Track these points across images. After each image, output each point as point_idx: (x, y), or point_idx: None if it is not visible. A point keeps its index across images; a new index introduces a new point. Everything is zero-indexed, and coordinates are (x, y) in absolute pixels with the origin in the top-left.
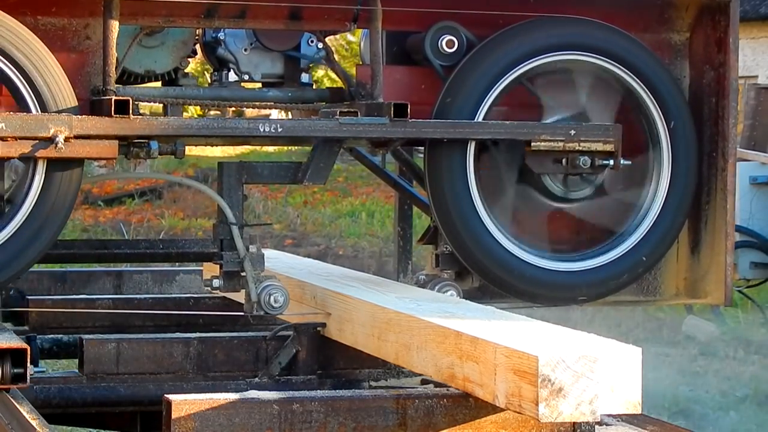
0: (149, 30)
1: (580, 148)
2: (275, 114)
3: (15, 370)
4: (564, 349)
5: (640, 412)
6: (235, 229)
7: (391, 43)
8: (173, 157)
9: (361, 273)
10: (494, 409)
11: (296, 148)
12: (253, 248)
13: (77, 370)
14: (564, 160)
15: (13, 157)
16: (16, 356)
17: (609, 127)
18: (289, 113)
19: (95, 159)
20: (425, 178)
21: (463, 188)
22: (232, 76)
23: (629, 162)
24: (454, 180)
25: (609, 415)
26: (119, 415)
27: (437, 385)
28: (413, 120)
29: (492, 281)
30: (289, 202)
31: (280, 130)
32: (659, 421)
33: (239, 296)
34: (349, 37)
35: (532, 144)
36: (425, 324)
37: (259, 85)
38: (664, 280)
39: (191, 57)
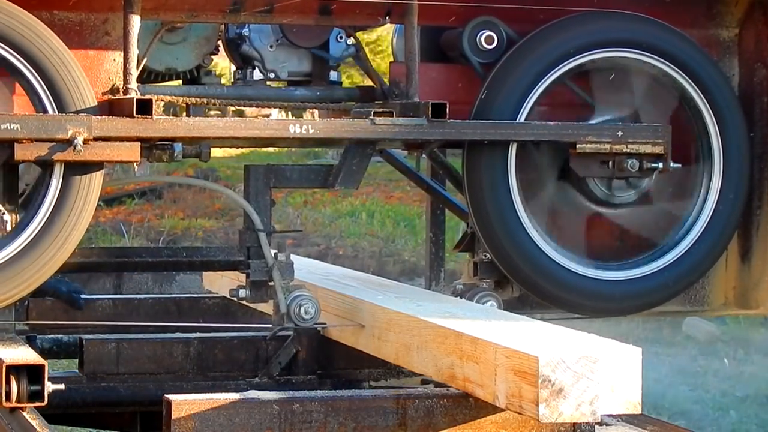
0: (171, 26)
1: (628, 151)
2: (275, 114)
3: (32, 388)
4: (564, 349)
5: (640, 412)
6: (262, 236)
7: (425, 39)
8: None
9: (361, 273)
10: (494, 410)
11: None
12: (281, 256)
13: (77, 370)
14: (610, 163)
15: (29, 161)
16: (32, 372)
17: (658, 128)
18: (289, 113)
19: (116, 162)
20: (463, 181)
21: (504, 192)
22: (257, 74)
23: (679, 165)
24: (495, 184)
25: (609, 415)
26: (119, 415)
27: (437, 385)
28: (452, 120)
29: (534, 291)
30: (289, 202)
31: (311, 131)
32: (659, 421)
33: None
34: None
35: (578, 146)
36: (425, 324)
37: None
38: (712, 290)
39: (214, 54)
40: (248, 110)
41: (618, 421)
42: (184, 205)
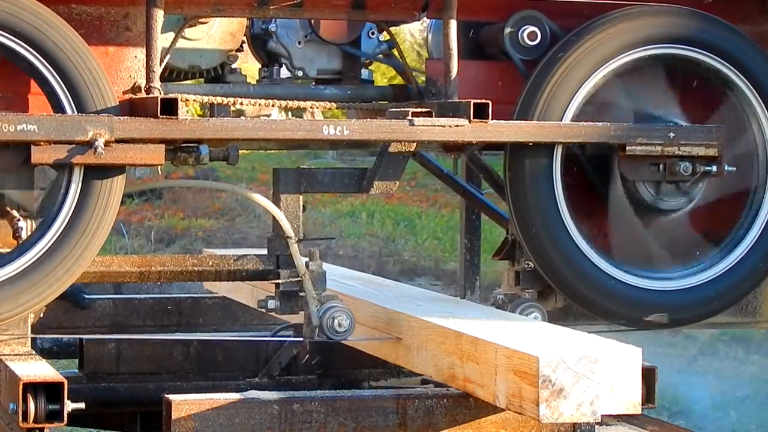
0: (194, 20)
1: (680, 153)
2: (275, 114)
3: (50, 407)
4: (565, 349)
5: (640, 412)
6: (293, 244)
7: (461, 35)
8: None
9: (361, 273)
10: (494, 410)
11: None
12: (313, 265)
13: (77, 370)
14: (662, 166)
15: (47, 164)
16: (50, 390)
17: (712, 130)
18: (289, 113)
19: (139, 165)
20: (505, 185)
21: (549, 197)
22: (284, 72)
23: (734, 168)
24: (539, 188)
25: (609, 415)
26: (119, 415)
27: (437, 385)
28: (495, 121)
29: (580, 302)
30: None
31: (346, 132)
32: (659, 421)
33: (240, 296)
34: None
35: (627, 148)
36: (425, 324)
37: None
38: (764, 300)
39: (240, 51)
40: (247, 110)
41: (618, 421)
42: (184, 205)
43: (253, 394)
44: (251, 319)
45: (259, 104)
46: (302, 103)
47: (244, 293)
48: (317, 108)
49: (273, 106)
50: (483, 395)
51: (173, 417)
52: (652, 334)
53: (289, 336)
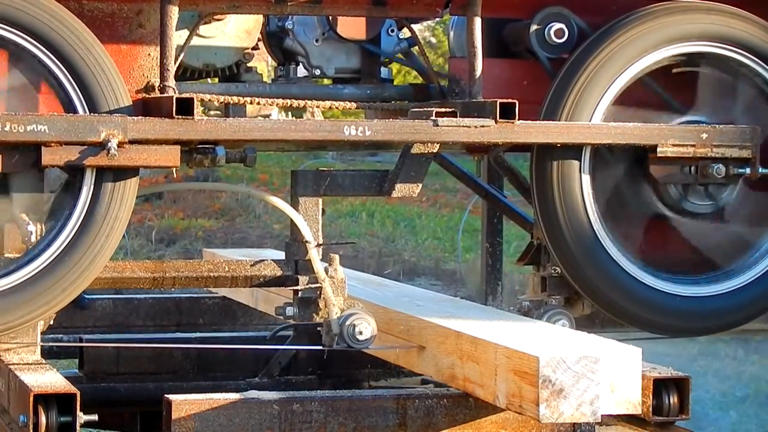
0: (209, 17)
1: (713, 155)
2: (275, 114)
3: (62, 419)
4: (565, 349)
5: (640, 412)
6: (312, 249)
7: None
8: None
9: (362, 273)
10: (494, 409)
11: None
12: (332, 271)
13: (77, 370)
14: (693, 168)
15: (58, 166)
16: (62, 401)
17: (746, 130)
18: (289, 113)
19: (154, 167)
20: (532, 188)
21: (577, 201)
22: (301, 71)
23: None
24: (567, 191)
25: (609, 415)
26: (119, 415)
27: (437, 385)
28: (521, 122)
29: (609, 309)
30: None
31: (368, 132)
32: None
33: (240, 296)
34: None
35: (658, 150)
36: (426, 324)
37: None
38: None
39: (255, 49)
40: (247, 109)
41: (618, 421)
42: (184, 205)
43: (253, 394)
44: (251, 319)
45: (277, 104)
46: (321, 103)
47: (245, 293)
48: (317, 108)
49: (290, 105)
50: (483, 395)
51: (173, 417)
52: (653, 335)
53: (288, 335)
